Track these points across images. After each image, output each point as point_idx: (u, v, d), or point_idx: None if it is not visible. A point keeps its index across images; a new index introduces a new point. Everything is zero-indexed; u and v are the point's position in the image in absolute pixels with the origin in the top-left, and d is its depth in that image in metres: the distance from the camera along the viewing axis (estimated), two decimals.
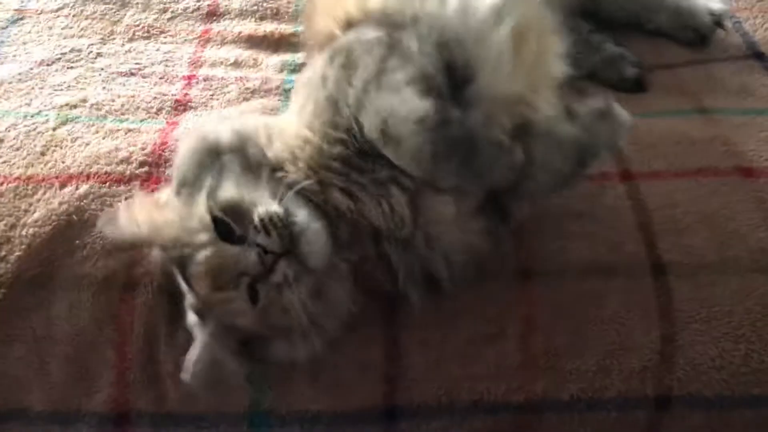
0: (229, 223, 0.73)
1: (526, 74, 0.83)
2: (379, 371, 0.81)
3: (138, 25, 1.21)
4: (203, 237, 0.73)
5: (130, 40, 1.18)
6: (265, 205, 0.72)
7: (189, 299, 0.76)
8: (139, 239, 0.79)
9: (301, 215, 0.73)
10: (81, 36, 1.17)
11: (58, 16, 1.20)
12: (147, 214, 0.77)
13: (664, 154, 0.95)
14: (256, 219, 0.71)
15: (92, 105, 1.03)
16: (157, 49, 1.17)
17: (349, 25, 0.87)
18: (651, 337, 0.81)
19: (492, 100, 0.79)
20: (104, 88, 1.07)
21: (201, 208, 0.74)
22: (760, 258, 0.84)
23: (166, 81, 1.10)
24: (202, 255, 0.73)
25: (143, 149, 0.94)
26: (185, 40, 1.20)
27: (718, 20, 1.14)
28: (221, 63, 1.15)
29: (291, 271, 0.71)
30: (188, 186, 0.77)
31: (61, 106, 1.01)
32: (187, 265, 0.74)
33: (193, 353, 0.75)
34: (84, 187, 0.89)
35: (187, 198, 0.77)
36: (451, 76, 0.79)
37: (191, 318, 0.77)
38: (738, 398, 0.81)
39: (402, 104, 0.74)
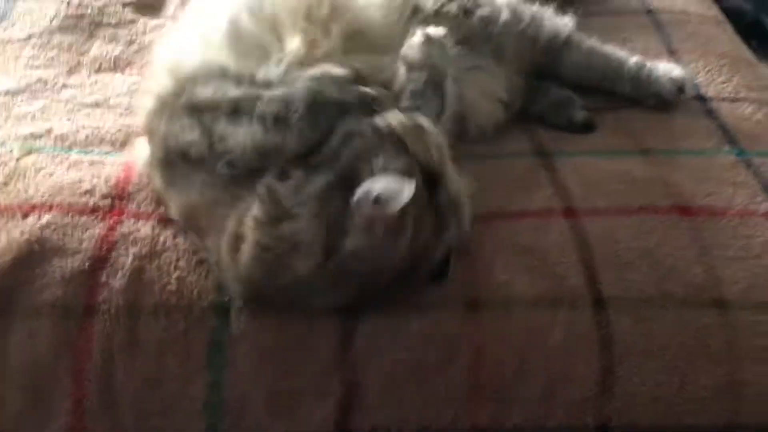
0: None
1: None
2: (335, 396, 0.84)
3: (105, 57, 1.24)
4: None
5: (97, 71, 1.21)
6: None
7: None
8: None
9: None
10: (48, 66, 1.19)
11: (26, 47, 1.22)
12: None
13: (607, 192, 1.00)
14: None
15: (57, 136, 1.05)
16: (123, 81, 1.19)
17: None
18: (592, 369, 0.85)
19: None
20: (69, 119, 1.09)
21: None
22: (694, 293, 0.89)
23: (131, 113, 1.12)
24: None
25: (107, 181, 0.97)
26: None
27: (679, 86, 1.15)
28: None
29: None
30: None
31: (26, 137, 1.04)
32: None
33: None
34: (46, 218, 0.91)
35: None
36: None
37: None
38: (672, 428, 0.85)
39: None
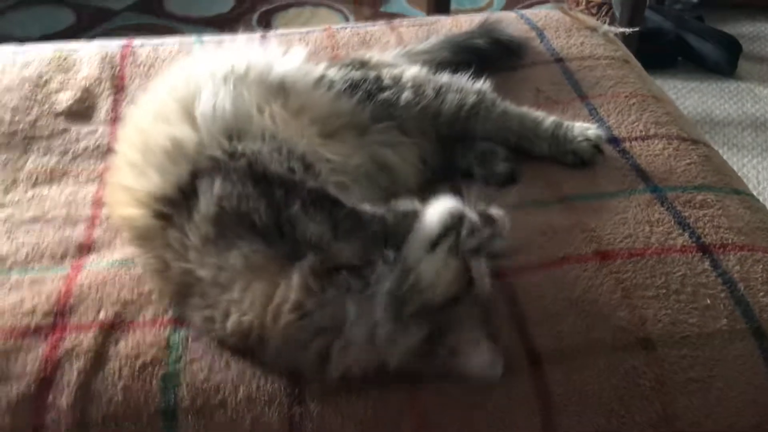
0: None
1: None
2: None
3: (40, 170, 1.26)
4: None
5: (33, 186, 1.23)
6: None
7: None
8: None
9: None
10: None
11: None
12: None
13: (530, 245, 1.04)
14: None
15: None
16: (60, 192, 1.22)
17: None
18: (532, 424, 0.89)
19: None
20: (8, 238, 1.11)
21: None
22: (621, 336, 0.94)
23: (69, 224, 1.15)
24: None
25: (48, 299, 0.99)
26: (87, 179, 1.26)
27: (596, 145, 1.19)
28: None
29: None
30: None
31: None
32: None
33: None
34: None
35: None
36: None
37: None
38: None
39: None
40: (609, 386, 0.90)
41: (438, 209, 0.90)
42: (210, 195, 0.92)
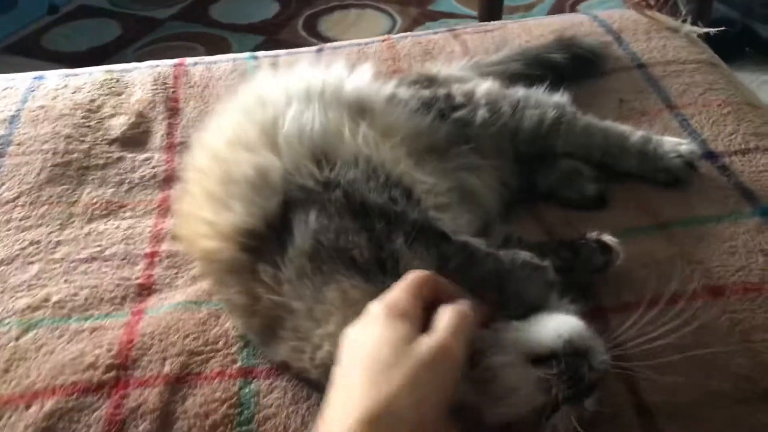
0: None
1: None
2: None
3: (95, 204, 1.20)
4: None
5: (89, 221, 1.17)
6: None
7: None
8: None
9: None
10: (39, 225, 1.16)
11: (15, 207, 1.20)
12: None
13: (630, 281, 0.94)
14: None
15: (55, 303, 1.01)
16: (117, 227, 1.16)
17: None
18: None
19: None
20: (66, 280, 1.05)
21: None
22: (743, 387, 0.83)
23: (128, 262, 1.09)
24: None
25: (109, 350, 0.93)
26: (144, 212, 1.19)
27: (689, 162, 1.09)
28: None
29: None
30: None
31: (23, 311, 1.00)
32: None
33: None
34: (49, 404, 0.86)
35: None
36: None
37: None
38: None
39: None
40: None
41: (560, 324, 0.78)
42: (305, 228, 0.85)
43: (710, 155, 1.14)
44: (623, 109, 1.26)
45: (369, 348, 0.68)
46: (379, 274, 0.81)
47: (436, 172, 1.03)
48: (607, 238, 0.94)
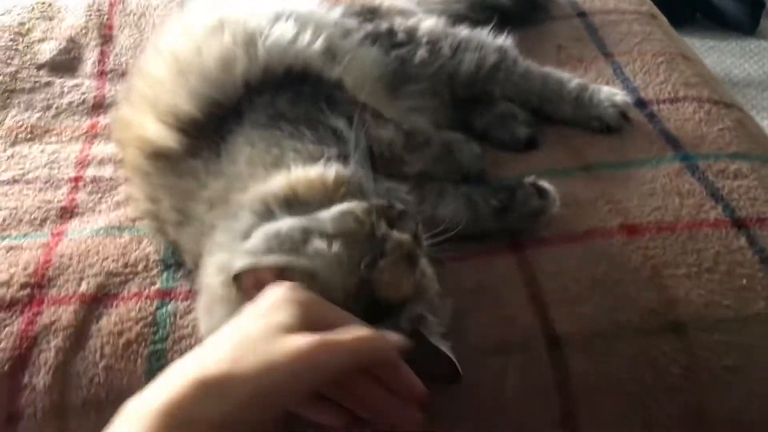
0: None
1: None
2: None
3: (21, 126, 1.18)
4: None
5: (13, 143, 1.15)
6: None
7: None
8: None
9: None
10: None
11: None
12: None
13: (552, 218, 0.96)
14: None
15: None
16: (42, 151, 1.13)
17: None
18: (551, 414, 0.81)
19: None
20: None
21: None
22: (650, 319, 0.85)
23: (51, 186, 1.07)
24: None
25: (25, 269, 0.91)
26: (71, 137, 1.17)
27: (622, 112, 1.10)
28: (109, 160, 1.12)
29: None
30: None
31: None
32: None
33: None
34: None
35: None
36: None
37: None
38: None
39: None
40: (636, 375, 0.82)
41: None
42: (265, 107, 0.91)
43: (640, 103, 1.16)
44: (561, 55, 1.27)
45: (254, 318, 0.63)
46: (319, 145, 0.85)
47: (389, 110, 1.03)
48: (544, 183, 0.95)
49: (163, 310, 0.87)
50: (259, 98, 0.92)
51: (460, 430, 0.80)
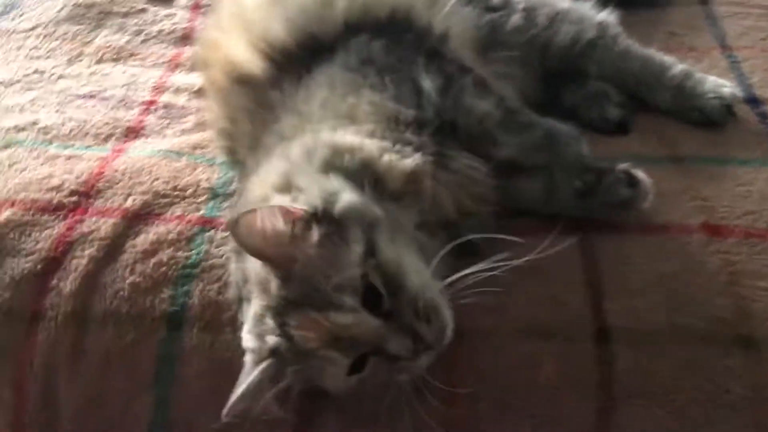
0: (382, 296, 0.69)
1: None
2: (291, 428, 0.75)
3: (108, 47, 1.19)
4: (348, 300, 0.68)
5: (98, 62, 1.16)
6: (432, 292, 0.71)
7: (270, 336, 0.70)
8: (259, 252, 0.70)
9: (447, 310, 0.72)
10: (48, 57, 1.16)
11: (29, 37, 1.19)
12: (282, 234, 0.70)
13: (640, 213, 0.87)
14: (420, 304, 0.69)
15: (40, 129, 1.01)
16: (123, 72, 1.15)
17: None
18: (585, 410, 0.73)
19: None
20: (57, 111, 1.05)
21: (354, 264, 0.69)
22: (717, 328, 0.76)
23: (124, 106, 1.07)
24: (339, 317, 0.68)
25: (78, 177, 0.91)
26: (154, 63, 1.17)
27: (728, 106, 0.99)
28: (185, 90, 1.11)
29: (428, 360, 0.71)
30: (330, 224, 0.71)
31: (8, 129, 1.00)
32: (291, 307, 0.69)
33: (240, 388, 0.70)
34: (6, 214, 0.86)
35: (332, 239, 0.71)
36: None
37: (249, 344, 0.72)
38: None
39: None
40: (690, 385, 0.73)
41: None
42: (359, 49, 0.87)
43: (753, 100, 1.04)
44: (672, 42, 1.16)
45: None
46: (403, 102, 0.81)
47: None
48: (639, 172, 0.84)
49: (201, 237, 0.85)
50: (356, 39, 0.89)
51: (483, 402, 0.73)
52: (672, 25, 1.19)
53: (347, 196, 0.72)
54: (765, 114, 1.02)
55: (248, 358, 0.73)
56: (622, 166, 0.84)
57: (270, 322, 0.70)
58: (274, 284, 0.70)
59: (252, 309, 0.72)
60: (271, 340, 0.71)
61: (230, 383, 0.75)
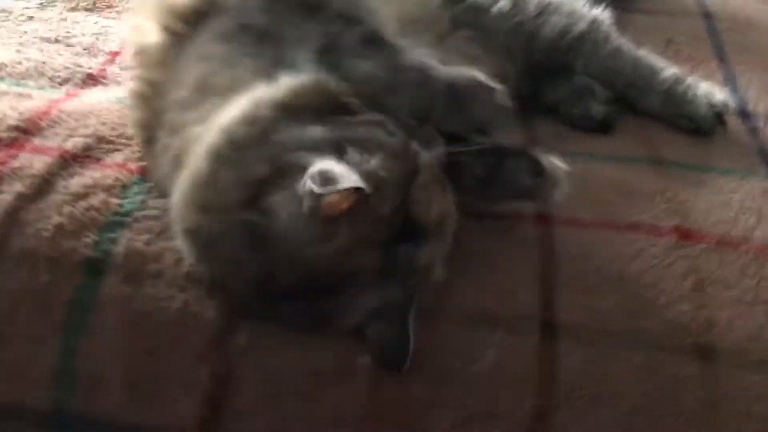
0: None
1: None
2: (203, 391, 0.69)
3: None
4: None
5: (72, 9, 1.12)
6: None
7: None
8: None
9: None
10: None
11: None
12: None
13: (594, 201, 0.82)
14: None
15: None
16: (95, 23, 1.10)
17: None
18: (522, 408, 0.67)
19: None
20: (18, 51, 1.00)
21: None
22: (675, 335, 0.70)
23: (88, 53, 1.03)
24: None
25: (21, 114, 0.86)
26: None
27: (719, 113, 0.95)
28: None
29: None
30: None
31: None
32: None
33: None
34: None
35: None
36: None
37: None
38: None
39: None
40: (638, 392, 0.67)
41: None
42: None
43: (745, 114, 0.99)
44: (669, 50, 1.11)
45: None
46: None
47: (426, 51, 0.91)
48: (549, 160, 0.75)
49: (140, 186, 0.80)
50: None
51: (416, 386, 0.67)
52: (671, 32, 1.14)
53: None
54: (756, 129, 0.97)
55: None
56: (536, 150, 0.77)
57: None
58: None
59: None
60: None
61: (145, 339, 0.70)
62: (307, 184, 0.61)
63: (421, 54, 0.79)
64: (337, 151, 0.66)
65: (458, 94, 0.76)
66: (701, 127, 0.95)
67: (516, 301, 0.72)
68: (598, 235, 0.78)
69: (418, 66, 0.77)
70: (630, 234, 0.78)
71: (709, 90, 0.97)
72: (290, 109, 0.69)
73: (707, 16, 1.20)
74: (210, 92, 0.73)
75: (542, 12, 1.01)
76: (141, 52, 0.83)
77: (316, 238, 0.63)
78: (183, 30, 0.79)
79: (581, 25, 1.01)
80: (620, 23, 1.06)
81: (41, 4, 1.11)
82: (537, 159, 0.75)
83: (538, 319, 0.71)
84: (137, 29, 0.84)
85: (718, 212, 0.82)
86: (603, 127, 0.96)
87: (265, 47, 0.75)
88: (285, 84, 0.71)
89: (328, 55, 0.74)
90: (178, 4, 0.81)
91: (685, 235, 0.78)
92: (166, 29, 0.80)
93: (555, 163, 0.75)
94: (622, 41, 1.02)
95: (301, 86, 0.71)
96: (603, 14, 1.04)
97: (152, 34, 0.81)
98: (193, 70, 0.76)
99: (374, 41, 0.77)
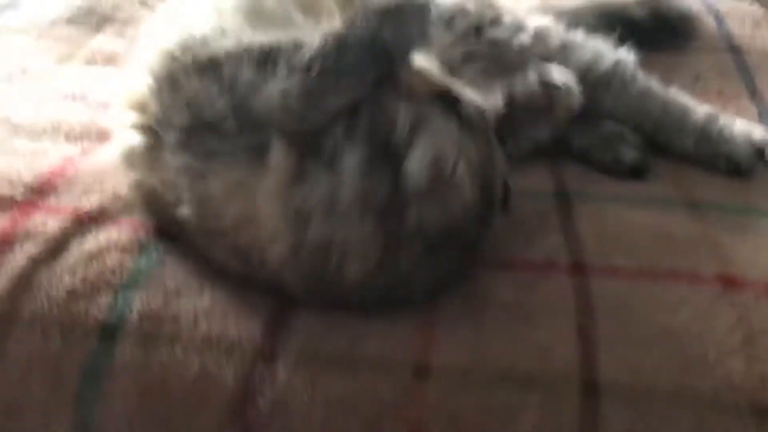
0: None
1: None
2: None
3: (102, 51, 1.14)
4: None
5: (88, 63, 1.11)
6: None
7: None
8: None
9: None
10: (38, 56, 1.11)
11: (24, 36, 1.15)
12: None
13: (631, 248, 0.78)
14: None
15: (13, 124, 0.94)
16: (113, 76, 1.08)
17: None
18: None
19: None
20: (36, 109, 0.98)
21: None
22: (727, 394, 0.65)
23: (104, 108, 1.01)
24: None
25: (36, 173, 0.84)
26: None
27: (760, 150, 0.91)
28: None
29: None
30: None
31: None
32: None
33: None
34: None
35: None
36: None
37: None
38: None
39: None
40: None
41: None
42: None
43: None
44: (697, 86, 1.08)
45: None
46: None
47: None
48: (557, 72, 0.84)
49: (157, 245, 0.77)
50: None
51: None
52: (698, 69, 1.11)
53: None
54: None
55: None
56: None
57: None
58: None
59: None
60: None
61: (161, 408, 0.67)
62: None
63: None
64: None
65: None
66: (740, 166, 0.91)
67: (553, 357, 0.68)
68: (636, 284, 0.74)
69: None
70: (670, 283, 0.74)
71: (746, 127, 0.93)
72: None
73: (735, 50, 1.17)
74: None
75: (565, 48, 0.98)
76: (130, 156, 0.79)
77: None
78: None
79: (606, 63, 0.98)
80: (646, 61, 1.03)
81: (59, 60, 1.10)
82: (546, 73, 0.81)
83: (578, 377, 0.66)
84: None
85: (763, 257, 0.77)
86: (635, 173, 0.92)
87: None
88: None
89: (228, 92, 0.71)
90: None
91: (729, 282, 0.74)
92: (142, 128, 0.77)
93: (562, 73, 0.80)
94: (650, 82, 0.99)
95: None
96: (629, 56, 1.01)
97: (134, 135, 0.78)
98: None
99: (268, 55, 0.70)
